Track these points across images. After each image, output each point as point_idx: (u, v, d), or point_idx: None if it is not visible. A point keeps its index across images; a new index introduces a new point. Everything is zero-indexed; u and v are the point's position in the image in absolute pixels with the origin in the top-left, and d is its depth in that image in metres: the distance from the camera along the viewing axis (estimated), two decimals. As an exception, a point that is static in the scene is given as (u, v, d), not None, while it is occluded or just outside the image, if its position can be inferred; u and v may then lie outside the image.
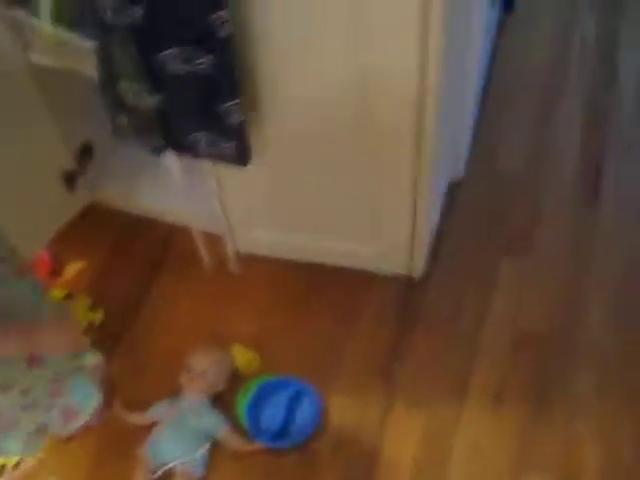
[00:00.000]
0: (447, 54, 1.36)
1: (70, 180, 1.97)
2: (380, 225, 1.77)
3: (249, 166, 1.56)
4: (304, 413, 1.75)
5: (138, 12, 1.27)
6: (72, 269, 2.14)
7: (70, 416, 1.54)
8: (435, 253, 1.98)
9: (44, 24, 1.56)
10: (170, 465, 1.65)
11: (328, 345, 1.86)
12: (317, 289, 1.96)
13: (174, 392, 1.76)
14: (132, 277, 2.08)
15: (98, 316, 2.01)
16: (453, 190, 2.13)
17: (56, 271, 2.13)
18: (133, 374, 1.87)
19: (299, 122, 1.54)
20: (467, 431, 1.68)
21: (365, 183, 1.66)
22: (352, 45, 1.34)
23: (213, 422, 1.72)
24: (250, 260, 2.02)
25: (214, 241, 1.97)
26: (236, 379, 1.81)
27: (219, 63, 1.31)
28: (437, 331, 1.84)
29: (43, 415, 1.49)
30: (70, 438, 1.74)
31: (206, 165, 1.67)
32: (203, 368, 1.76)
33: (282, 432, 1.73)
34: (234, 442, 1.70)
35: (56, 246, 2.11)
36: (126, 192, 2.16)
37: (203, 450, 1.68)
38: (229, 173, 1.67)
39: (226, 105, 1.38)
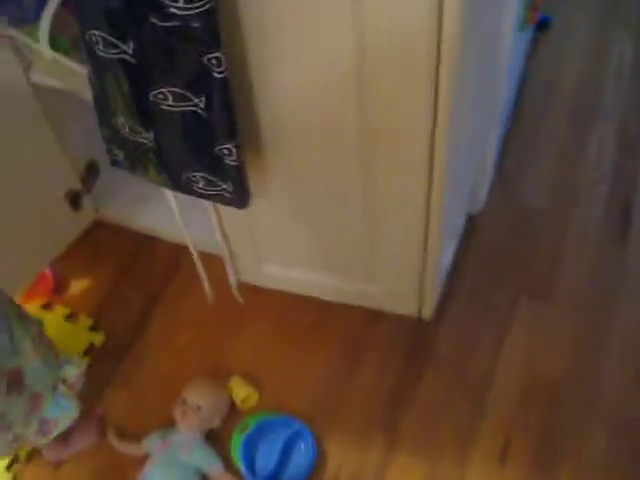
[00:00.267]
0: (464, 85, 1.27)
1: (75, 199, 1.93)
2: (388, 262, 1.69)
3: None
4: (300, 459, 1.68)
5: (128, 48, 1.20)
6: (76, 288, 2.10)
7: (46, 431, 1.50)
8: (448, 291, 1.89)
9: (43, 47, 1.50)
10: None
11: (330, 384, 1.79)
12: (322, 325, 1.88)
13: (170, 423, 1.71)
14: (134, 299, 2.03)
15: (99, 337, 1.97)
16: (471, 223, 2.03)
17: (59, 288, 2.10)
18: (129, 401, 1.83)
19: (301, 155, 1.47)
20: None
21: (372, 217, 1.57)
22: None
23: (205, 459, 1.66)
24: (255, 290, 1.95)
25: (219, 266, 1.91)
26: (233, 414, 1.75)
27: (213, 105, 1.24)
28: (444, 379, 1.76)
29: (20, 430, 1.47)
30: (61, 464, 1.72)
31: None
32: (197, 403, 1.70)
33: (276, 476, 1.66)
34: (226, 483, 1.64)
35: (59, 264, 2.08)
36: (130, 211, 2.11)
37: (193, 489, 1.63)
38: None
39: (222, 146, 1.31)
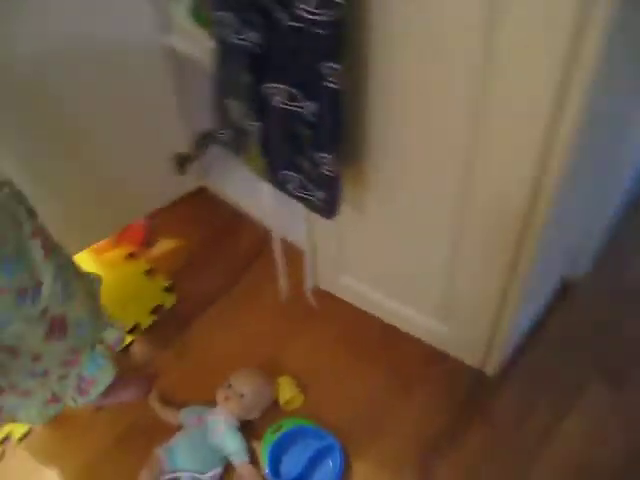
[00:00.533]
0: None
1: (182, 163, 1.97)
2: (462, 307, 1.63)
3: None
4: (324, 474, 1.65)
5: (254, 38, 1.20)
6: (162, 246, 2.16)
7: (84, 389, 1.53)
8: (520, 351, 1.80)
9: (183, 14, 1.54)
10: (179, 475, 1.62)
11: (374, 408, 1.75)
12: (383, 348, 1.84)
13: (210, 402, 1.73)
14: (213, 273, 2.07)
15: (170, 300, 2.02)
16: (565, 287, 1.92)
17: (148, 243, 2.16)
18: (179, 369, 1.87)
19: (399, 181, 1.44)
20: None
21: (457, 257, 1.51)
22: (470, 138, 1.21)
23: (234, 448, 1.66)
24: (325, 295, 1.94)
25: (298, 263, 1.91)
26: (272, 411, 1.75)
27: (321, 112, 1.22)
28: (492, 438, 1.67)
29: (55, 384, 1.51)
30: (100, 409, 1.77)
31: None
32: (242, 391, 1.71)
33: (297, 485, 1.65)
34: (247, 477, 1.64)
35: (154, 220, 2.14)
36: (232, 187, 2.15)
37: (214, 472, 1.64)
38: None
39: (321, 154, 1.30)
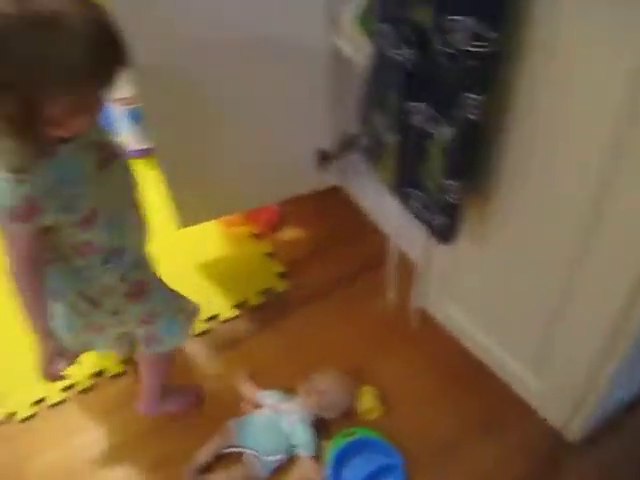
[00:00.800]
0: None
1: (323, 160, 2.03)
2: (556, 364, 1.58)
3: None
4: (382, 494, 1.66)
5: (408, 55, 1.23)
6: (287, 233, 2.23)
7: (153, 340, 1.57)
8: (612, 424, 1.70)
9: (351, 19, 1.59)
10: (243, 450, 1.68)
11: (447, 442, 1.72)
12: (471, 384, 1.82)
13: (293, 390, 1.78)
14: (328, 270, 2.12)
15: (281, 285, 2.09)
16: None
17: (275, 227, 2.25)
18: (270, 353, 1.93)
19: (529, 215, 1.41)
20: None
21: (563, 306, 1.46)
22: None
23: (304, 440, 1.70)
24: (427, 318, 1.93)
25: (408, 281, 1.92)
26: (348, 417, 1.77)
27: (455, 140, 1.24)
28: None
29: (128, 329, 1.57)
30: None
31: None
32: (324, 388, 1.75)
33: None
34: (307, 471, 1.68)
35: (286, 207, 2.22)
36: (364, 193, 2.18)
37: (278, 458, 1.69)
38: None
39: (449, 181, 1.31)
